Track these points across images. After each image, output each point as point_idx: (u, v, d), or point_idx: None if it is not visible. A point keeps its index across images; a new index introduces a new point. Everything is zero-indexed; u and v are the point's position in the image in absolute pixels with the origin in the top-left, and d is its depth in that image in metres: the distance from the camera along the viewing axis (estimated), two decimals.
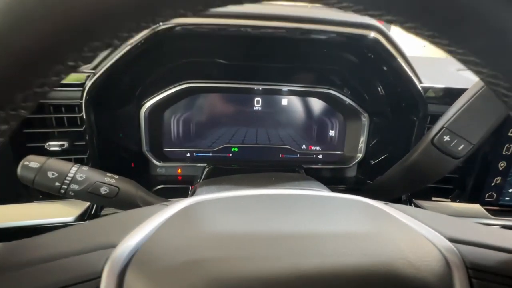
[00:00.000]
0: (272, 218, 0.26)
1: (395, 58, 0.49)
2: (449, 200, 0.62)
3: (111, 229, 0.26)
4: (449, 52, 0.20)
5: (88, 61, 0.20)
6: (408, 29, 0.19)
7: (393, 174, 0.52)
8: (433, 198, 0.62)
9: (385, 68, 0.57)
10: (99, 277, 0.21)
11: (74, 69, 0.18)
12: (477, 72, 0.20)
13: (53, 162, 0.39)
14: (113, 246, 0.23)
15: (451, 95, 0.53)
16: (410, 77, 0.51)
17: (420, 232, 0.26)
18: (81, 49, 0.17)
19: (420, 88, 0.53)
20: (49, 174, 0.38)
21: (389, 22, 0.19)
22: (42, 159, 0.39)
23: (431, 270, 0.22)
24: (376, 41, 0.47)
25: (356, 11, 0.18)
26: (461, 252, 0.24)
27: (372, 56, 0.57)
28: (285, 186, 0.46)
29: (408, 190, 0.56)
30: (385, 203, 0.31)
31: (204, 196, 0.31)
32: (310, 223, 0.25)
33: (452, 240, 0.25)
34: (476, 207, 0.61)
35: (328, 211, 0.28)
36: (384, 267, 0.21)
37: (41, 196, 0.55)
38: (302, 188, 0.45)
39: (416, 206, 0.60)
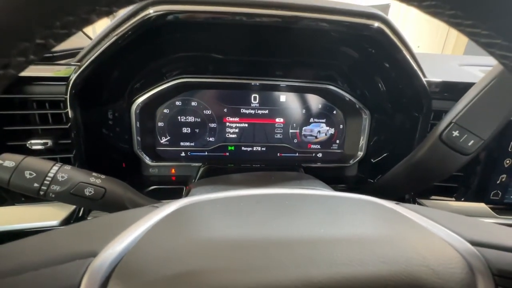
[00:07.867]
0: (274, 221, 0.23)
1: (400, 50, 0.46)
2: (453, 198, 0.60)
3: (91, 235, 0.23)
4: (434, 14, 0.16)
5: (62, 39, 0.18)
6: None
7: (398, 172, 0.49)
8: (436, 197, 0.60)
9: (387, 61, 0.54)
10: None
11: (45, 48, 0.16)
12: (469, 34, 0.16)
13: (31, 160, 0.36)
14: (93, 255, 0.20)
15: (456, 90, 0.51)
16: (415, 71, 0.49)
17: (439, 235, 0.24)
18: (53, 25, 0.15)
19: (425, 83, 0.51)
20: (27, 174, 0.34)
21: None
22: (18, 157, 0.35)
23: (456, 278, 0.20)
24: (380, 31, 0.45)
25: None
26: (486, 257, 0.22)
27: (373, 51, 0.54)
28: (285, 185, 0.43)
29: (414, 189, 0.54)
30: (396, 203, 0.28)
31: (197, 197, 0.28)
32: (318, 227, 0.22)
33: (475, 244, 0.23)
34: (481, 206, 0.59)
35: (336, 213, 0.25)
36: (406, 276, 0.18)
37: (23, 199, 0.51)
38: (304, 187, 0.42)
39: (420, 205, 0.58)
